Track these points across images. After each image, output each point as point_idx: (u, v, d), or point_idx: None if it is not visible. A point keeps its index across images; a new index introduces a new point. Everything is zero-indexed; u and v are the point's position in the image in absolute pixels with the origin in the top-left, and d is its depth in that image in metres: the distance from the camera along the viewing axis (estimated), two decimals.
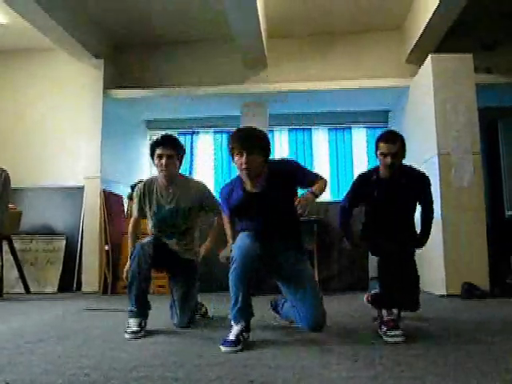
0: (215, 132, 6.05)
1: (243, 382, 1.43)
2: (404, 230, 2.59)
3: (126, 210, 5.12)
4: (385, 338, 2.06)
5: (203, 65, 5.37)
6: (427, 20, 4.25)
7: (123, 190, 5.25)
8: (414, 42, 4.73)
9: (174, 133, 5.49)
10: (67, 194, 5.22)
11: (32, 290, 4.63)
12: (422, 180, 2.62)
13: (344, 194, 2.76)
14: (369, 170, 2.70)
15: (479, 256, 3.84)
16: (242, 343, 1.97)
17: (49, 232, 5.12)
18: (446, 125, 4.03)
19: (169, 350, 1.93)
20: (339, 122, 5.86)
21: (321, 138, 5.91)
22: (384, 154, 2.46)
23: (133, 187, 4.97)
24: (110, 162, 5.10)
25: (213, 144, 6.03)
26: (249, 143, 2.16)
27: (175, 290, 2.61)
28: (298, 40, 5.31)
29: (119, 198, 5.22)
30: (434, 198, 2.70)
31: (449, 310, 3.16)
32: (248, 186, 2.30)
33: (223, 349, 1.92)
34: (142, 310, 2.38)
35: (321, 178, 2.31)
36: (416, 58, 4.83)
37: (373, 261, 2.56)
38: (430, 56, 4.21)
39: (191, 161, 5.95)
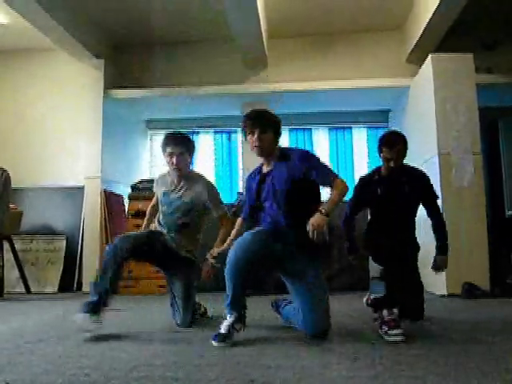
0: (215, 132, 6.05)
1: (243, 382, 1.42)
2: (405, 230, 2.62)
3: (126, 209, 5.12)
4: (386, 338, 2.05)
5: (203, 65, 5.37)
6: (427, 20, 4.25)
7: (123, 190, 5.25)
8: (415, 42, 4.73)
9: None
10: (67, 194, 5.22)
11: (32, 289, 4.63)
12: (423, 179, 2.66)
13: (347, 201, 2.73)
14: (369, 173, 2.77)
15: (479, 256, 3.84)
16: (233, 336, 1.97)
17: (49, 232, 5.12)
18: (446, 125, 4.03)
19: (169, 350, 1.92)
20: (340, 121, 5.85)
21: (321, 138, 5.91)
22: (388, 159, 2.53)
23: (133, 187, 4.99)
24: (111, 161, 5.10)
25: (213, 144, 6.03)
26: (259, 121, 2.23)
27: (176, 289, 2.60)
28: (299, 40, 5.31)
29: (119, 197, 5.22)
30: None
31: (449, 310, 3.15)
32: (264, 168, 2.33)
33: (214, 343, 1.92)
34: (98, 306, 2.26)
35: (337, 181, 2.14)
36: (416, 58, 4.83)
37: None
38: (430, 56, 4.21)
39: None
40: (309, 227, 1.99)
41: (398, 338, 2.01)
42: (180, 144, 2.61)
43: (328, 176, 2.17)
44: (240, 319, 2.05)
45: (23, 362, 1.71)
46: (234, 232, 2.48)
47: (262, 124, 2.22)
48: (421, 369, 1.55)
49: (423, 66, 4.39)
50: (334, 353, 1.84)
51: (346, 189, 2.15)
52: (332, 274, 4.49)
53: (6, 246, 4.42)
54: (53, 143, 5.43)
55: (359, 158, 5.82)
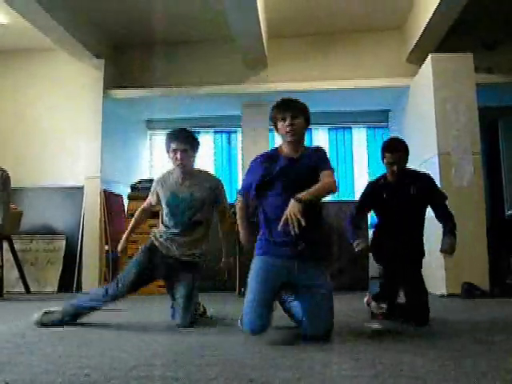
0: (215, 132, 6.05)
1: (243, 382, 1.42)
2: (411, 234, 2.64)
3: (126, 209, 5.12)
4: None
5: (203, 65, 5.37)
6: (428, 19, 4.24)
7: (123, 190, 5.25)
8: (415, 42, 4.73)
9: None
10: (67, 194, 5.22)
11: (32, 289, 4.63)
12: (427, 179, 2.72)
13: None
14: (376, 178, 2.88)
15: (479, 256, 3.84)
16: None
17: (49, 232, 5.13)
18: (446, 124, 4.03)
19: (169, 350, 1.93)
20: (339, 121, 5.86)
21: (321, 138, 5.92)
22: (390, 163, 2.62)
23: (133, 187, 4.99)
24: (110, 161, 5.10)
25: (213, 144, 6.02)
26: (291, 107, 2.23)
27: (178, 290, 2.58)
28: (299, 40, 5.30)
29: (119, 197, 5.22)
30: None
31: (449, 310, 3.16)
32: (289, 153, 2.23)
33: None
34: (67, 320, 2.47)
35: (329, 173, 2.13)
36: (416, 58, 4.83)
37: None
38: (430, 56, 4.21)
39: None
40: (283, 217, 1.96)
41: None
42: (184, 141, 2.62)
43: (326, 164, 2.18)
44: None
45: (23, 362, 1.71)
46: (244, 233, 2.38)
47: (294, 109, 2.23)
48: (421, 369, 1.55)
49: (423, 66, 4.39)
50: (334, 352, 1.84)
51: (333, 187, 2.10)
52: (332, 274, 4.48)
53: (6, 246, 4.42)
54: (53, 143, 5.43)
55: (359, 157, 5.83)
